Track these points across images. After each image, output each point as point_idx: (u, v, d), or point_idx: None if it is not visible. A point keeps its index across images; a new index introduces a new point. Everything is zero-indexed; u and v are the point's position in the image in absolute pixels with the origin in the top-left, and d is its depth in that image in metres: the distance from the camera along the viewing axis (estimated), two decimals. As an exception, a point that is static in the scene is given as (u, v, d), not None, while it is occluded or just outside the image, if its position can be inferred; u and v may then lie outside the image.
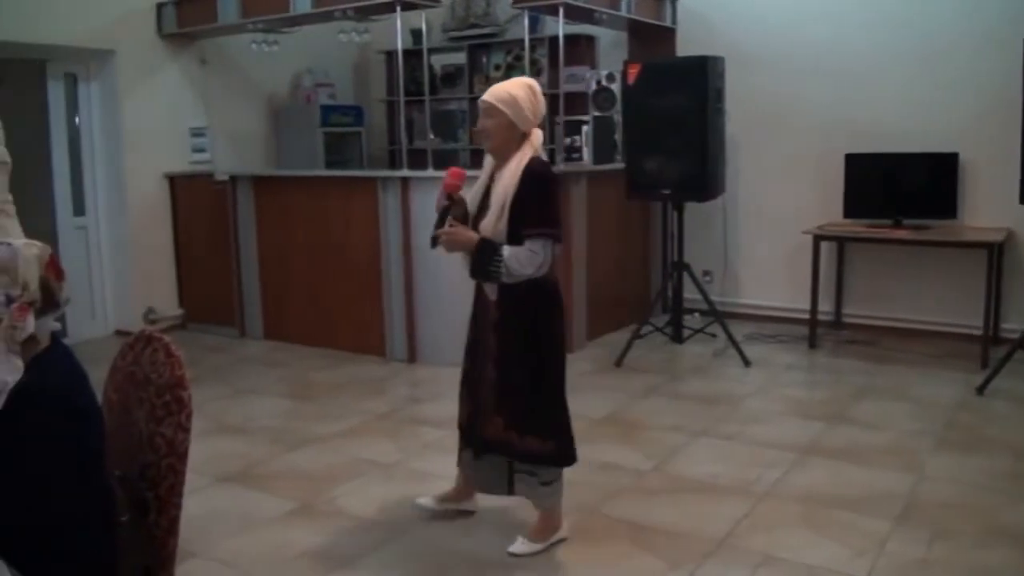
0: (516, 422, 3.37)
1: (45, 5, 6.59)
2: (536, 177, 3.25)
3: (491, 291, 3.36)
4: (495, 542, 3.55)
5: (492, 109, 3.26)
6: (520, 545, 3.47)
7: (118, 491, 2.22)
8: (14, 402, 2.07)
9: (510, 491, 3.56)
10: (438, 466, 3.92)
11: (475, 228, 3.34)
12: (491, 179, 3.38)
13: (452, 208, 3.33)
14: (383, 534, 3.66)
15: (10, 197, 3.75)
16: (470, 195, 3.43)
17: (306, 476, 4.32)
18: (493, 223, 3.25)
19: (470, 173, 3.46)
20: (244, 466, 4.46)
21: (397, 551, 3.53)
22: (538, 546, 3.46)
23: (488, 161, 3.43)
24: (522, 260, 3.21)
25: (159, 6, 7.45)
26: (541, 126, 3.39)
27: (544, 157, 3.39)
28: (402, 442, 4.74)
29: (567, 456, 3.47)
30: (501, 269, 3.22)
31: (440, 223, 3.32)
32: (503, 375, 3.38)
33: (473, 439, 3.52)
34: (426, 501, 3.76)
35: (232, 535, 3.68)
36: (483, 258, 3.24)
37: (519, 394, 3.37)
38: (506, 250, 3.22)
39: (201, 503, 3.90)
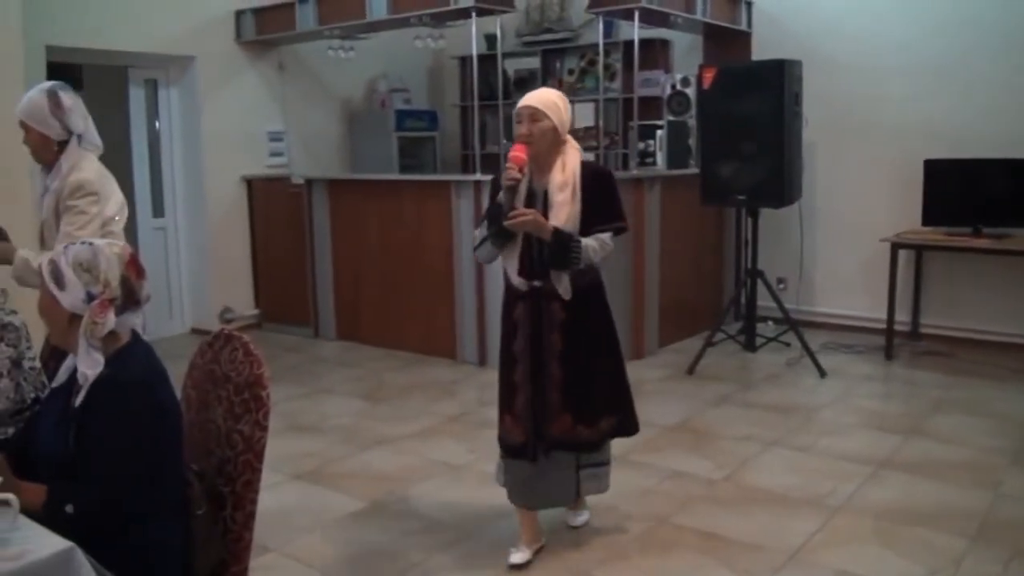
0: (585, 415, 3.43)
1: (127, 13, 6.77)
2: (601, 176, 3.45)
3: (564, 291, 3.35)
4: (565, 543, 3.56)
5: (538, 114, 3.27)
6: (580, 517, 3.76)
7: (195, 485, 2.27)
8: (95, 394, 2.13)
9: (577, 495, 3.59)
10: (507, 470, 3.94)
11: None
12: (530, 182, 3.35)
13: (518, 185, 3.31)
14: (454, 535, 3.69)
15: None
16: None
17: (378, 476, 4.37)
18: (563, 219, 3.26)
19: None
20: (318, 464, 4.53)
21: (467, 552, 3.55)
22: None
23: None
24: (596, 249, 3.33)
25: (238, 13, 7.61)
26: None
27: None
28: (473, 444, 4.76)
29: (633, 425, 3.61)
30: (581, 256, 3.28)
31: (510, 199, 3.28)
32: (571, 372, 3.40)
33: (545, 439, 3.40)
34: (521, 557, 3.46)
35: (305, 532, 3.74)
36: (562, 246, 3.27)
37: (588, 387, 3.43)
38: (583, 239, 3.30)
39: (276, 500, 3.97)
